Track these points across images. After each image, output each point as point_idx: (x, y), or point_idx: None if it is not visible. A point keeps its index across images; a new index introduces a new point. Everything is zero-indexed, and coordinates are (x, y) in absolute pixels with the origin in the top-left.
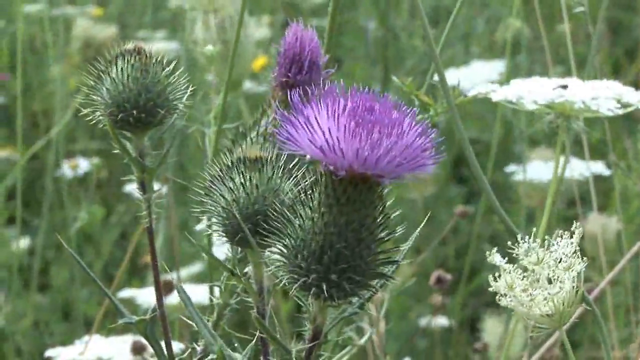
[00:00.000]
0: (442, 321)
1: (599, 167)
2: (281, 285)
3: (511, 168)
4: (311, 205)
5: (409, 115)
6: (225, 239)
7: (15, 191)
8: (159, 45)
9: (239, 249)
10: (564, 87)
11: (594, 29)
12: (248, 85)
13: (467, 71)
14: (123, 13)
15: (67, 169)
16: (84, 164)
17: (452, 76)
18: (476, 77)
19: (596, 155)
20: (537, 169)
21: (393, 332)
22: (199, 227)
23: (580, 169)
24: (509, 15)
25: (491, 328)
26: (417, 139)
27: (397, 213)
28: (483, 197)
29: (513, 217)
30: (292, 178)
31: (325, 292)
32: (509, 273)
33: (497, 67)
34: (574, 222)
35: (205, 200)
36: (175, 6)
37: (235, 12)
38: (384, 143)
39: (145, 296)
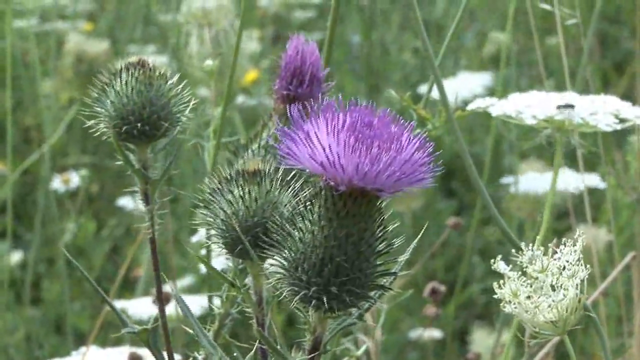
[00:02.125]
0: (433, 333)
1: (593, 180)
2: (282, 297)
3: (506, 180)
4: (311, 218)
5: (407, 129)
6: (224, 250)
7: (6, 205)
8: (152, 59)
9: (239, 260)
10: (571, 106)
11: (584, 41)
12: (240, 99)
13: (455, 82)
14: (113, 28)
15: (59, 183)
16: (75, 179)
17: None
18: (463, 89)
19: (587, 168)
20: (529, 182)
21: (384, 345)
22: (195, 238)
23: (575, 181)
24: (495, 29)
25: (480, 340)
26: (415, 153)
27: (393, 226)
28: (477, 210)
29: (502, 233)
30: (290, 190)
31: (325, 304)
32: (514, 281)
33: (484, 78)
34: (565, 233)
35: (204, 213)
36: (164, 21)
37: (229, 25)
38: (383, 158)
39: (136, 307)
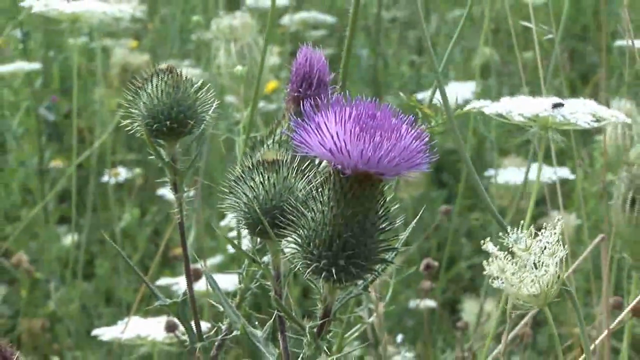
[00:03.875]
0: (428, 303)
1: (564, 172)
2: (296, 269)
3: (488, 173)
4: (322, 200)
5: (406, 121)
6: (247, 230)
7: (65, 195)
8: (187, 71)
9: (259, 240)
10: (560, 105)
11: (557, 54)
12: (261, 104)
13: (447, 90)
14: (155, 45)
15: (109, 177)
16: (123, 172)
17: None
18: (454, 95)
19: (558, 162)
20: (509, 174)
21: (386, 313)
22: (223, 222)
23: (548, 173)
24: (480, 46)
25: (469, 309)
26: (413, 141)
27: (394, 207)
28: (458, 199)
29: (487, 215)
30: (304, 177)
31: (334, 275)
32: (501, 259)
33: (470, 87)
34: (541, 218)
35: (229, 198)
36: (198, 39)
37: (253, 40)
38: (384, 145)
39: (182, 284)
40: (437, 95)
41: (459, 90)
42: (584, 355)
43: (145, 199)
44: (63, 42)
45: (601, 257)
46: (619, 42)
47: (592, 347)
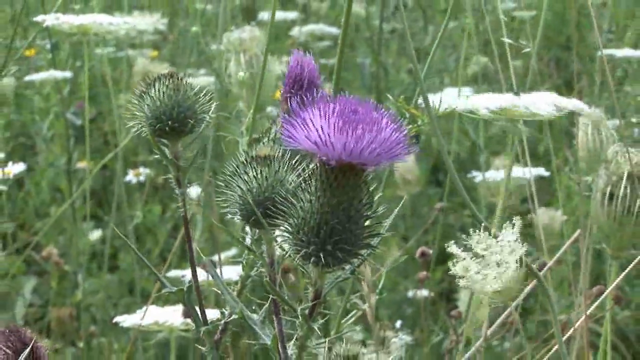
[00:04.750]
0: (425, 293)
1: (539, 171)
2: (287, 256)
3: (472, 174)
4: (309, 190)
5: (386, 115)
6: (242, 220)
7: (92, 193)
8: (202, 79)
9: (257, 231)
10: (516, 94)
11: (544, 62)
12: (269, 109)
13: (442, 94)
14: (173, 55)
15: (131, 177)
16: (145, 173)
17: (431, 99)
18: (448, 99)
19: (542, 163)
20: (498, 173)
21: (385, 302)
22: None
23: (528, 172)
24: (473, 55)
25: (464, 298)
26: (393, 133)
27: (395, 203)
28: (454, 195)
29: (479, 210)
30: (294, 171)
31: (322, 260)
32: (464, 260)
33: (464, 91)
34: (526, 214)
35: (225, 191)
36: (214, 50)
37: (260, 52)
38: (366, 137)
39: (185, 276)
40: (436, 98)
41: (451, 95)
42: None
43: (165, 197)
44: (89, 53)
45: (586, 249)
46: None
47: (571, 331)
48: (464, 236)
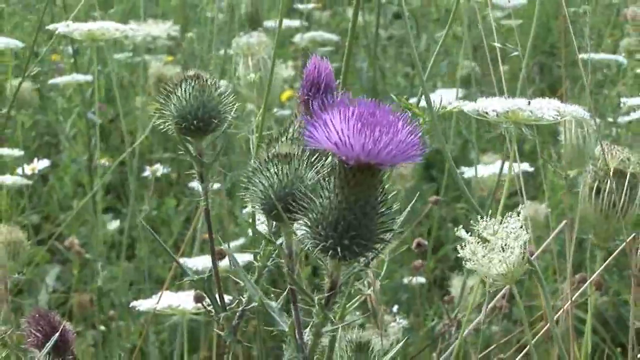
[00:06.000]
0: (420, 280)
1: (525, 166)
2: (306, 249)
3: (463, 170)
4: (328, 188)
5: (402, 118)
6: (263, 214)
7: (111, 188)
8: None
9: (274, 223)
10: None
11: (529, 68)
12: (278, 111)
13: (435, 96)
14: (187, 59)
15: (148, 172)
16: (160, 169)
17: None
18: (439, 99)
19: (529, 159)
20: (488, 169)
21: (383, 288)
22: (245, 211)
23: (520, 167)
24: (464, 59)
25: (456, 285)
26: (408, 136)
27: (391, 196)
28: (447, 190)
29: (468, 204)
30: (313, 168)
31: (339, 253)
32: (472, 243)
33: (454, 93)
34: (515, 208)
35: (248, 187)
36: (223, 54)
37: (267, 56)
38: (383, 139)
39: (203, 262)
40: (431, 99)
41: (445, 96)
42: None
43: (179, 191)
44: (108, 58)
45: (565, 239)
46: (581, 56)
47: (556, 316)
48: (457, 227)
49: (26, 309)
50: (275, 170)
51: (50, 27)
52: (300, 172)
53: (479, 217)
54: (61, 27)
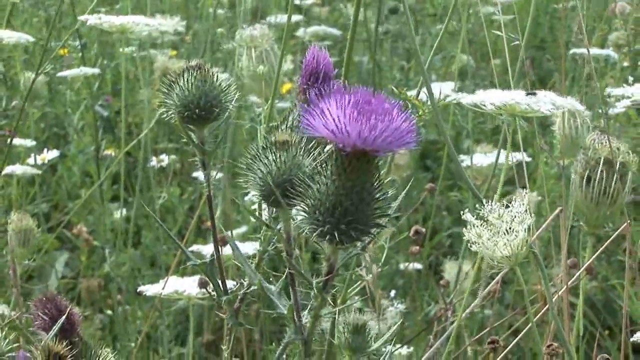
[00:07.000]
0: (415, 265)
1: (519, 156)
2: (304, 234)
3: (460, 158)
4: (325, 174)
5: (397, 106)
6: (262, 200)
7: (117, 178)
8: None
9: (274, 210)
10: (534, 94)
11: (523, 59)
12: (278, 103)
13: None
14: (190, 53)
15: (154, 162)
16: (165, 159)
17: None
18: (436, 92)
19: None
20: (481, 158)
21: (380, 273)
22: (247, 198)
23: (514, 157)
24: (457, 54)
25: (449, 270)
26: (403, 123)
27: (388, 185)
28: (441, 179)
29: (464, 192)
30: (311, 156)
31: (337, 238)
32: (477, 227)
33: (450, 86)
34: (507, 195)
35: (247, 173)
36: (227, 49)
37: (270, 47)
38: (379, 126)
39: (208, 250)
40: (424, 91)
41: (440, 89)
42: (547, 306)
43: (182, 180)
44: (115, 52)
45: (559, 227)
46: (572, 51)
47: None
48: (477, 206)
49: (36, 294)
50: (274, 157)
51: (82, 18)
52: (298, 159)
53: (484, 201)
54: (92, 19)
